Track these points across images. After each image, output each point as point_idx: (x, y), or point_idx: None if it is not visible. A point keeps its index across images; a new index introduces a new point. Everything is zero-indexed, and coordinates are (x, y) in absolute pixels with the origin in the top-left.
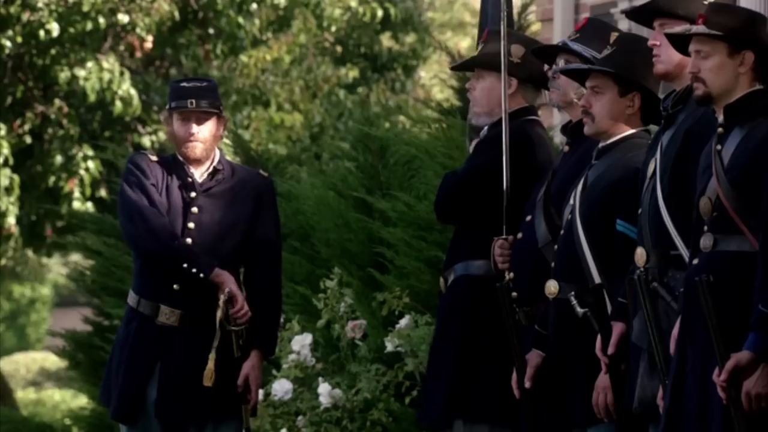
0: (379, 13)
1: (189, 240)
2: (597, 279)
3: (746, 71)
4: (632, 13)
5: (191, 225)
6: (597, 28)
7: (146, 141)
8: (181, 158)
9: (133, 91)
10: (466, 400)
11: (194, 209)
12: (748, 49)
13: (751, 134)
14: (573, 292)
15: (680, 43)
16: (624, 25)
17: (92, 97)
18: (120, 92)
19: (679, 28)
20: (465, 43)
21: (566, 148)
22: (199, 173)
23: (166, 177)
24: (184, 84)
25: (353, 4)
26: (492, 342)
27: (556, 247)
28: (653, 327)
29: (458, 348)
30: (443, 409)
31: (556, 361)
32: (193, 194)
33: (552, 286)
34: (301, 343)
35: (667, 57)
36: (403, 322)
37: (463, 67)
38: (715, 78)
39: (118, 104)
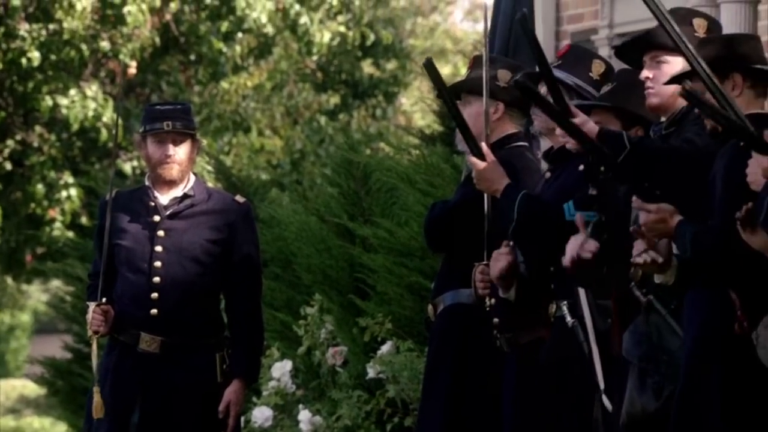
0: (372, 36)
1: (158, 263)
2: (584, 297)
3: (741, 92)
4: (622, 48)
5: (158, 249)
6: (579, 55)
7: (127, 168)
8: (148, 183)
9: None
10: (459, 425)
11: (160, 233)
12: (734, 71)
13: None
14: (566, 302)
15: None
16: (605, 51)
17: (75, 126)
18: (105, 119)
19: (675, 60)
20: (446, 70)
21: (548, 174)
22: (166, 198)
23: (129, 206)
24: (159, 107)
25: (342, 29)
26: (482, 368)
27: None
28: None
29: (451, 375)
30: None
31: (552, 371)
32: (156, 218)
33: (552, 308)
34: (282, 369)
35: (660, 89)
36: (385, 348)
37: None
38: None
39: (104, 132)
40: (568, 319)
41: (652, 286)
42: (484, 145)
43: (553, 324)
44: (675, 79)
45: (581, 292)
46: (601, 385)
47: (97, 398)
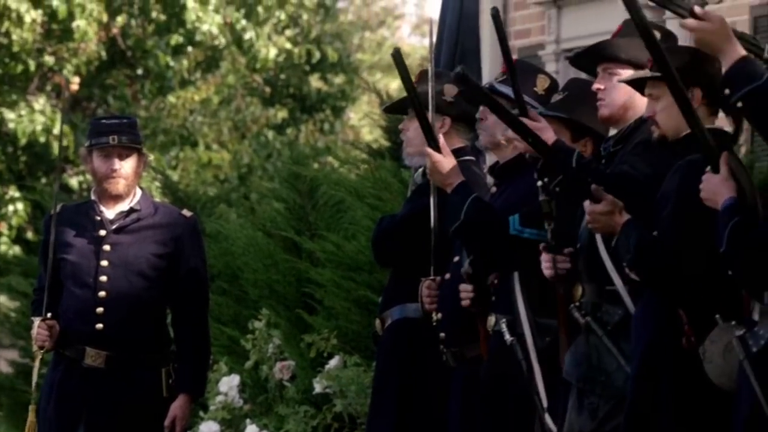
0: (317, 54)
1: (104, 278)
2: (524, 313)
3: (698, 107)
4: (576, 58)
5: (104, 263)
6: (524, 69)
7: (74, 182)
8: (94, 197)
9: (67, 130)
10: None
11: (106, 247)
12: (695, 86)
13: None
14: (505, 320)
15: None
16: (552, 67)
17: (23, 140)
18: (55, 131)
19: (627, 73)
20: (394, 85)
21: (493, 189)
22: (112, 212)
23: (74, 220)
24: (105, 121)
25: (288, 45)
26: (429, 382)
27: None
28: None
29: (399, 390)
30: None
31: (491, 387)
32: (102, 232)
33: (491, 320)
34: (229, 384)
35: (611, 100)
36: (333, 362)
37: (396, 107)
38: (665, 119)
39: (56, 145)
40: (507, 337)
41: (590, 307)
42: (441, 139)
43: (491, 337)
44: (630, 82)
45: (521, 309)
46: (545, 404)
47: (31, 417)
